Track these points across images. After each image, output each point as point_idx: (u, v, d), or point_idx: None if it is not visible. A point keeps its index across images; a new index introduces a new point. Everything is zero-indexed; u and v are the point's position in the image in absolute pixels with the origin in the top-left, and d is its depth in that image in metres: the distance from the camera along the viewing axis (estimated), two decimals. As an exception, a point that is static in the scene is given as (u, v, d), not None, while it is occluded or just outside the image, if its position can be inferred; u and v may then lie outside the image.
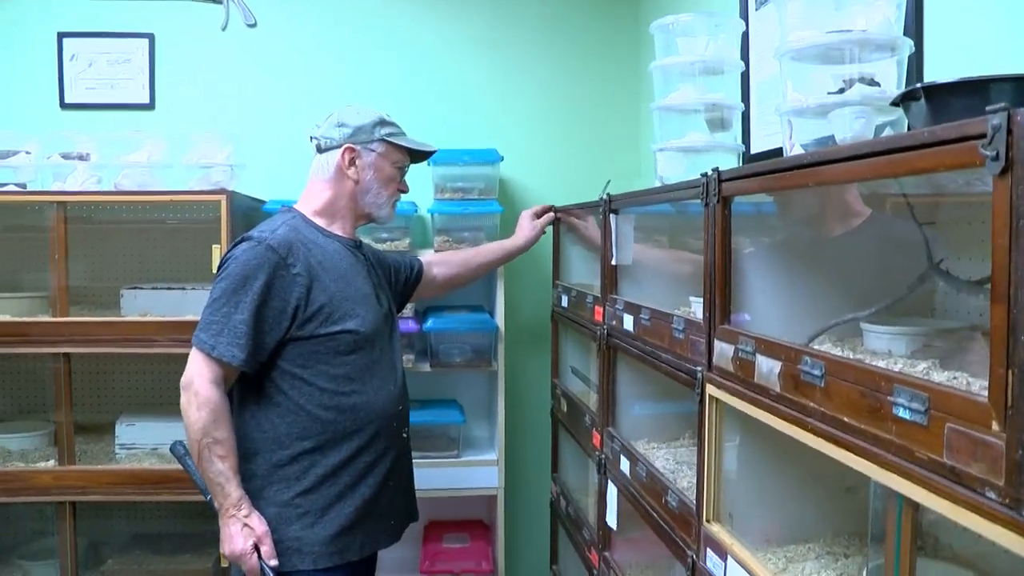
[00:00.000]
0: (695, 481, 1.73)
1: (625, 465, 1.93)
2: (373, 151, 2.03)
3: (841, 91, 1.28)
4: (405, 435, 2.09)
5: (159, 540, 2.83)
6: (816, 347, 1.20)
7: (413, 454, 2.16)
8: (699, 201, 1.46)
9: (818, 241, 1.61)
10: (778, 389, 1.19)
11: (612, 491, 2.05)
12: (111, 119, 3.02)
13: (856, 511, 1.49)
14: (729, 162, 1.95)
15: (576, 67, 3.18)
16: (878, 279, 1.45)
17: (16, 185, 2.63)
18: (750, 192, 1.32)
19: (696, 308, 1.80)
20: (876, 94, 1.24)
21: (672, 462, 1.91)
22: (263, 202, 2.78)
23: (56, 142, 2.72)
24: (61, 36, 3.03)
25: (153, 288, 2.68)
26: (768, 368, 1.22)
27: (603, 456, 2.12)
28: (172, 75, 3.06)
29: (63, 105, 3.04)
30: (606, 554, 2.13)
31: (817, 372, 1.07)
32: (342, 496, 1.92)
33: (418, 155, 2.14)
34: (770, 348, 1.22)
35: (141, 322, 2.57)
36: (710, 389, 1.43)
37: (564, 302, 2.61)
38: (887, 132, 1.26)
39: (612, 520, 2.05)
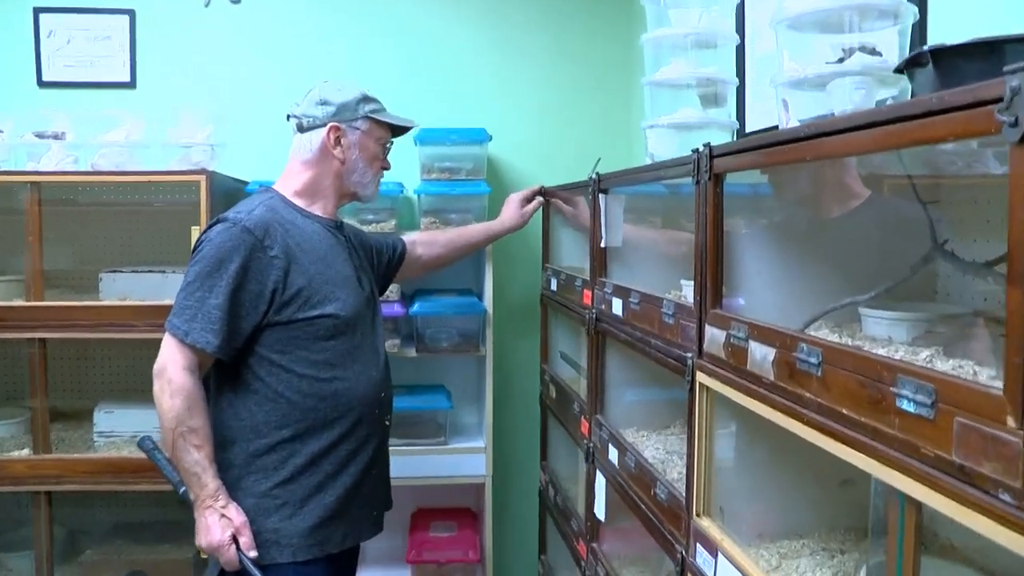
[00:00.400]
0: (684, 473, 1.68)
1: (614, 455, 1.87)
2: (358, 129, 1.96)
3: (840, 61, 1.20)
4: (388, 422, 2.03)
5: (139, 530, 2.77)
6: (812, 333, 1.13)
7: (399, 441, 2.10)
8: (690, 179, 1.39)
9: (815, 223, 1.53)
10: (772, 378, 1.12)
11: (600, 481, 1.99)
12: (91, 98, 2.93)
13: (852, 505, 1.43)
14: (722, 140, 1.87)
15: (567, 45, 3.09)
16: (877, 262, 1.38)
17: (-12, 166, 2.55)
18: (744, 168, 1.24)
19: (687, 292, 1.74)
20: (877, 64, 1.17)
21: (662, 451, 1.84)
22: (245, 183, 2.69)
23: (31, 121, 2.63)
24: (38, 11, 2.93)
25: (133, 271, 2.60)
26: (761, 355, 1.15)
27: (591, 445, 2.05)
28: (154, 53, 2.97)
29: (40, 83, 2.95)
30: (594, 545, 2.07)
31: (813, 360, 1.00)
32: (322, 486, 1.86)
33: (398, 130, 2.07)
34: (763, 334, 1.15)
35: (120, 306, 2.49)
36: (700, 377, 1.36)
37: (553, 285, 2.54)
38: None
39: (600, 512, 1.99)
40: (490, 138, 2.76)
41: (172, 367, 1.75)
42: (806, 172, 1.47)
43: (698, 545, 1.36)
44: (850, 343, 1.07)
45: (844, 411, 0.94)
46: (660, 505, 1.55)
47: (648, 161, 1.80)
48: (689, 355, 1.40)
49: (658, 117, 1.77)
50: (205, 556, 1.84)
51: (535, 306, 2.82)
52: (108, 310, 2.48)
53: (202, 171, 2.46)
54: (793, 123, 1.24)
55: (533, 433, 2.92)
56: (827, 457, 1.39)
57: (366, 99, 1.97)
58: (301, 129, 1.96)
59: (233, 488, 1.81)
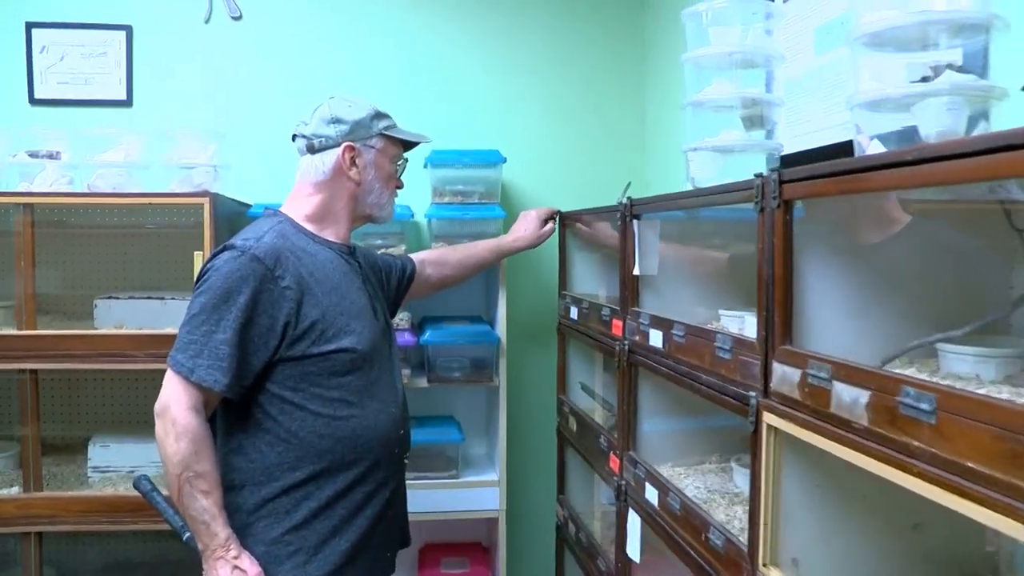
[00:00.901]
0: (732, 515, 1.58)
1: (652, 494, 1.76)
2: (373, 148, 1.86)
3: (924, 79, 1.12)
4: (405, 460, 1.92)
5: (134, 570, 2.63)
6: (916, 375, 1.04)
7: (409, 475, 1.99)
8: (751, 206, 1.30)
9: (861, 250, 1.45)
10: (865, 423, 1.02)
11: (635, 521, 1.88)
12: (85, 116, 2.81)
13: (923, 551, 1.34)
14: (758, 163, 1.80)
15: (581, 67, 3.02)
16: (934, 292, 1.30)
17: (-21, 186, 2.42)
18: (821, 195, 1.16)
19: (728, 323, 1.65)
20: (969, 82, 1.09)
21: (704, 491, 1.75)
22: (249, 206, 2.58)
23: (24, 140, 2.51)
24: (30, 26, 2.82)
25: (130, 298, 2.48)
26: (851, 397, 1.05)
27: (623, 483, 1.95)
28: (151, 70, 2.86)
29: (32, 101, 2.83)
30: (626, 588, 1.96)
31: (925, 406, 0.91)
32: (337, 531, 1.74)
33: (409, 146, 1.97)
34: (852, 374, 1.06)
35: (116, 335, 2.36)
36: (768, 418, 1.27)
37: (573, 314, 2.44)
38: (981, 126, 1.10)
39: (635, 553, 1.88)
40: (504, 160, 2.67)
41: (176, 407, 1.62)
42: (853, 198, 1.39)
43: (766, 600, 1.26)
44: (958, 386, 0.98)
45: (970, 464, 0.85)
46: (714, 552, 1.44)
47: (689, 185, 1.72)
48: (752, 394, 1.31)
49: (700, 140, 1.68)
50: None
51: (550, 335, 2.72)
52: (104, 339, 2.35)
53: (205, 193, 2.34)
54: (874, 144, 1.15)
55: (547, 466, 2.81)
56: (898, 502, 1.32)
57: (379, 115, 1.87)
58: (312, 150, 1.84)
59: (243, 535, 1.69)
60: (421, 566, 2.83)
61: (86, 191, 2.42)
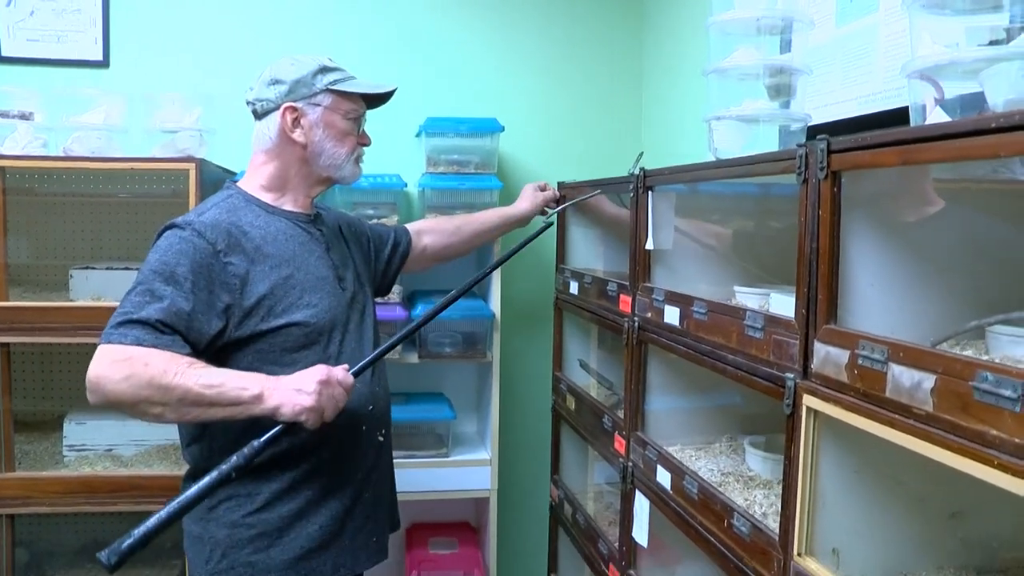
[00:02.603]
0: (751, 499, 1.53)
1: (664, 477, 1.70)
2: (319, 105, 1.71)
3: (993, 43, 1.05)
4: (382, 438, 1.82)
5: (112, 552, 2.52)
6: (994, 359, 0.98)
7: (397, 454, 1.90)
8: (794, 175, 1.23)
9: (901, 227, 1.39)
10: (930, 408, 0.96)
11: (643, 504, 1.82)
12: (57, 77, 2.66)
13: (961, 540, 1.30)
14: (773, 134, 1.73)
15: (577, 37, 2.92)
16: (985, 273, 1.25)
17: (-57, 148, 2.28)
18: (877, 166, 1.08)
19: (746, 300, 1.59)
20: (1044, 47, 1.02)
21: (717, 473, 1.69)
22: (235, 173, 2.47)
23: (-7, 98, 2.37)
24: (-3, -21, 2.66)
25: (108, 268, 2.36)
26: (912, 381, 0.99)
27: (630, 464, 1.89)
28: (130, 29, 2.70)
29: (-1, 58, 2.68)
30: (631, 572, 1.91)
31: (1008, 392, 0.85)
32: (303, 514, 1.66)
33: (374, 100, 1.82)
34: (915, 357, 0.99)
35: (94, 307, 2.24)
36: (808, 400, 1.20)
37: (573, 288, 2.36)
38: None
39: (642, 537, 1.83)
40: (502, 129, 2.57)
41: (104, 369, 1.43)
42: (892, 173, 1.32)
43: (803, 590, 1.20)
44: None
45: (1064, 457, 0.79)
46: (739, 540, 1.38)
47: (711, 156, 1.64)
48: (789, 375, 1.24)
49: (724, 109, 1.60)
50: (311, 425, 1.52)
51: (546, 310, 2.64)
52: (81, 312, 2.23)
53: (191, 159, 2.23)
54: (937, 111, 1.08)
55: (539, 445, 2.75)
56: (937, 489, 1.27)
57: (325, 69, 1.72)
58: (257, 116, 1.74)
59: (205, 519, 1.63)
60: (408, 547, 2.77)
61: (62, 155, 2.28)
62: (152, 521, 1.38)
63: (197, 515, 1.65)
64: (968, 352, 1.06)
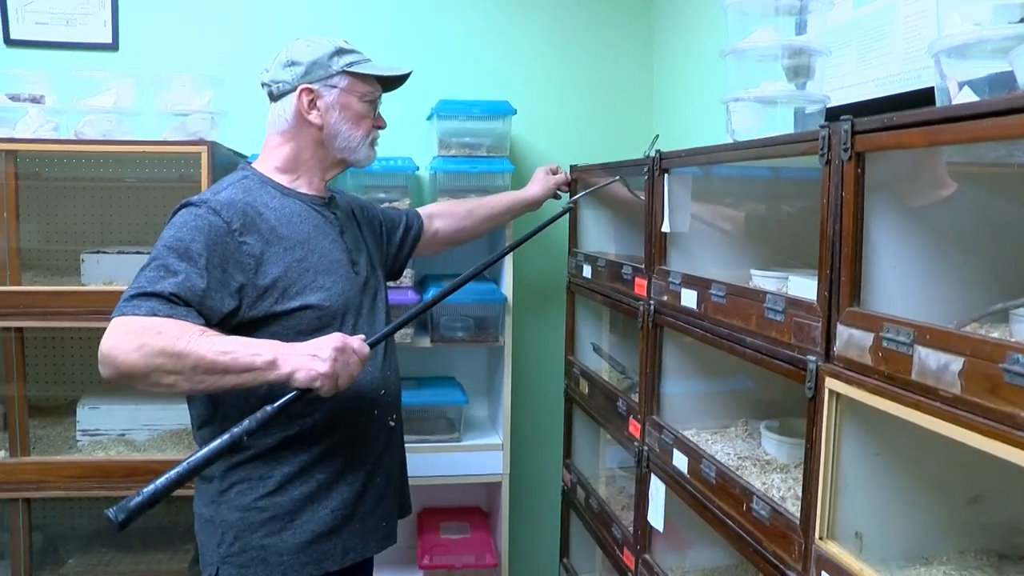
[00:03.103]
0: (769, 483, 1.52)
1: (681, 461, 1.70)
2: (335, 87, 1.71)
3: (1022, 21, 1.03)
4: (393, 422, 1.82)
5: (127, 536, 2.52)
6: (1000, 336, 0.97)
7: (408, 438, 1.90)
8: (815, 157, 1.22)
9: (921, 209, 1.38)
10: (957, 391, 0.95)
11: (658, 488, 1.82)
12: (66, 60, 2.65)
13: (981, 524, 1.29)
14: (789, 116, 1.71)
15: (588, 20, 2.90)
16: (1005, 256, 1.24)
17: (-47, 132, 2.27)
18: (904, 147, 1.07)
19: (763, 283, 1.58)
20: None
21: (734, 457, 1.68)
22: (246, 157, 2.45)
23: (3, 82, 2.35)
24: (4, -39, 2.64)
25: (119, 253, 2.36)
26: (938, 364, 0.98)
27: (645, 448, 1.89)
28: (139, 10, 2.69)
29: (8, 41, 2.66)
30: (646, 556, 1.91)
31: (1041, 375, 0.84)
32: (315, 498, 1.66)
33: (390, 83, 1.82)
34: (942, 339, 0.98)
35: (105, 291, 2.23)
36: (831, 383, 1.19)
37: (587, 272, 2.35)
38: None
39: (658, 522, 1.82)
40: (515, 112, 2.56)
41: (117, 341, 1.40)
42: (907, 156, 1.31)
43: (824, 574, 1.20)
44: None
45: (1098, 439, 0.78)
46: (758, 523, 1.38)
47: (728, 138, 1.63)
48: (811, 358, 1.23)
49: (742, 90, 1.59)
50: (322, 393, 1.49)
51: (558, 293, 2.63)
52: (95, 296, 2.23)
53: (202, 141, 2.22)
54: (964, 92, 1.07)
55: (551, 429, 2.74)
56: (958, 472, 1.26)
57: (341, 52, 1.72)
58: (273, 97, 1.73)
59: (216, 502, 1.63)
60: (420, 531, 2.77)
61: (73, 138, 2.27)
62: (161, 480, 1.35)
63: (209, 498, 1.66)
64: (995, 334, 1.05)
